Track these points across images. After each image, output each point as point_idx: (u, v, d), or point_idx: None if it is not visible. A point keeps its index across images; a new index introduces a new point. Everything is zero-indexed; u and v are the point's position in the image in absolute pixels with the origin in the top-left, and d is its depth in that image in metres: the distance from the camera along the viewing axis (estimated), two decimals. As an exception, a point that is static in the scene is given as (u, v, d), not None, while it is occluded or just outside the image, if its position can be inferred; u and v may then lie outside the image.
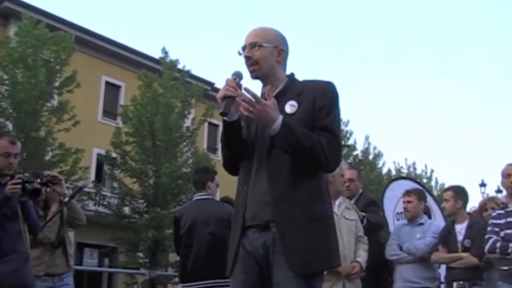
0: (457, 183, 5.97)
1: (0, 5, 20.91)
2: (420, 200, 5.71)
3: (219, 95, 2.67)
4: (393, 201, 6.99)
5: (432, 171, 29.65)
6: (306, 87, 2.82)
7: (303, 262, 2.59)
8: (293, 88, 2.82)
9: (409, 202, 5.72)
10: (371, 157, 26.13)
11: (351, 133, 24.89)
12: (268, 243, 2.67)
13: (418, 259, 5.46)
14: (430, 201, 8.00)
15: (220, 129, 2.94)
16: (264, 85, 2.89)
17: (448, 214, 5.77)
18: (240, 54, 2.84)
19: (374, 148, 26.72)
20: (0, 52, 16.12)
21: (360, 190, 6.03)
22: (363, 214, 5.44)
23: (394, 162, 29.19)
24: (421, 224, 5.65)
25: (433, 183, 29.68)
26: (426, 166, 29.74)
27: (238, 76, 2.72)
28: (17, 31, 16.95)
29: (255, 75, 2.83)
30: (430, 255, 5.45)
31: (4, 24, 20.85)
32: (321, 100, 2.74)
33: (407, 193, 5.86)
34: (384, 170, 28.13)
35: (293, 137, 2.60)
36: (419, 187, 7.16)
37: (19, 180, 4.12)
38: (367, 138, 26.14)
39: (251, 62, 2.80)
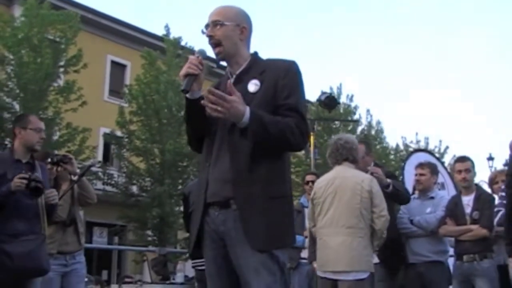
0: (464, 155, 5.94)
1: (4, -16, 20.83)
2: (433, 174, 5.71)
3: (181, 73, 2.69)
4: (413, 173, 6.93)
5: (446, 147, 29.37)
6: (269, 65, 2.81)
7: (263, 239, 2.60)
8: (256, 66, 2.82)
9: (422, 174, 5.71)
10: (373, 131, 25.96)
11: (356, 107, 24.72)
12: (228, 221, 2.68)
13: (428, 233, 5.46)
14: (444, 175, 8.02)
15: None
16: (228, 64, 2.89)
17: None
18: (203, 33, 2.82)
19: (378, 122, 26.53)
20: (5, 32, 16.06)
21: (372, 164, 5.87)
22: (389, 180, 5.25)
23: (402, 137, 29.01)
24: (432, 198, 5.65)
25: (446, 158, 29.36)
26: (440, 142, 29.43)
27: (201, 53, 2.74)
28: (23, 12, 16.84)
29: (221, 57, 2.83)
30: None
31: (8, 4, 20.76)
32: (283, 79, 2.74)
33: (420, 165, 5.84)
34: (392, 144, 28.09)
35: (263, 127, 2.60)
36: (434, 161, 7.16)
37: (27, 176, 4.15)
38: (368, 111, 25.97)
39: (213, 41, 2.79)
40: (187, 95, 2.74)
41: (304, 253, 6.47)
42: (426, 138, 28.96)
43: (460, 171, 5.52)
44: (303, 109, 2.76)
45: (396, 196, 5.35)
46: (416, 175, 5.83)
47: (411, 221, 5.53)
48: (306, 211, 5.99)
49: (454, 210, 5.43)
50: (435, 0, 59.89)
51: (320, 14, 58.42)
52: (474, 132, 58.27)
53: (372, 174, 5.04)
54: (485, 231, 5.21)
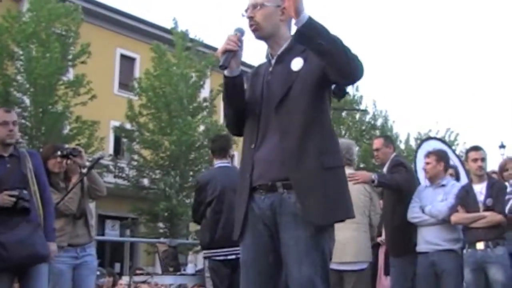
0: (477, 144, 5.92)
1: (12, -20, 20.87)
2: (439, 161, 5.65)
3: (219, 50, 2.68)
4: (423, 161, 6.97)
5: (457, 134, 29.25)
6: None
7: (322, 214, 2.57)
8: (297, 46, 2.77)
9: (427, 163, 5.69)
10: (379, 121, 25.87)
11: (361, 98, 24.64)
12: (275, 204, 2.65)
13: (440, 221, 5.43)
14: (457, 162, 7.98)
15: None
16: (268, 45, 2.87)
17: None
18: (243, 16, 2.81)
19: (385, 113, 26.42)
20: (13, 27, 16.12)
21: (392, 156, 5.96)
22: (372, 176, 5.44)
23: (419, 126, 28.98)
24: (443, 185, 5.61)
25: (459, 146, 29.18)
26: (449, 130, 29.30)
27: (240, 31, 2.73)
28: (30, 7, 16.89)
29: (257, 35, 2.81)
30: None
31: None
32: None
33: (427, 154, 5.84)
34: (402, 133, 28.01)
35: (321, 25, 2.53)
36: (443, 148, 7.12)
37: (16, 193, 4.14)
38: (374, 103, 25.87)
39: (252, 22, 2.77)
40: (226, 73, 2.73)
41: None
42: (437, 128, 28.89)
43: (476, 160, 5.50)
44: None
45: (386, 187, 5.62)
46: (424, 164, 5.83)
47: (423, 210, 5.51)
48: None
49: (465, 198, 5.40)
50: (445, -12, 59.43)
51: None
52: (486, 120, 57.91)
53: (350, 181, 5.23)
54: (500, 216, 5.19)
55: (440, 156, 5.73)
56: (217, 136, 5.86)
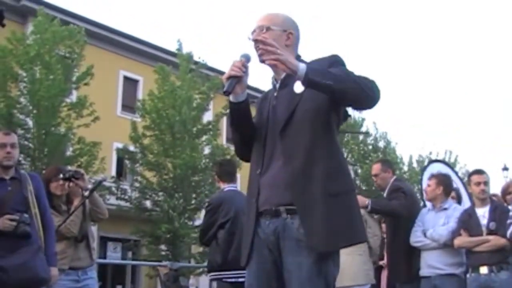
0: (480, 168, 5.92)
1: (18, 3, 21.05)
2: (439, 185, 5.65)
3: (224, 76, 2.67)
4: None
5: (456, 156, 29.30)
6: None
7: (325, 240, 2.53)
8: None
9: (428, 185, 5.71)
10: (381, 143, 25.87)
11: (363, 120, 24.67)
12: (278, 229, 2.63)
13: (442, 245, 5.41)
14: (460, 186, 7.95)
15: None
16: (273, 70, 2.87)
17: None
18: (249, 39, 2.81)
19: (386, 135, 26.46)
20: (18, 50, 16.21)
21: (391, 180, 5.95)
22: (366, 202, 5.44)
23: (420, 149, 29.03)
24: (445, 209, 5.60)
25: (460, 169, 29.22)
26: (450, 152, 29.33)
27: (245, 57, 2.73)
28: (33, 29, 17.01)
29: (263, 59, 2.76)
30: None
31: (22, 22, 20.98)
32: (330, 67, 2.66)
33: (430, 177, 5.86)
34: (405, 155, 28.03)
35: (323, 71, 2.53)
36: (447, 171, 7.11)
37: (17, 217, 4.13)
38: (374, 124, 25.91)
39: (258, 45, 2.73)
40: (231, 98, 2.74)
41: None
42: (437, 150, 28.97)
43: (478, 183, 5.48)
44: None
45: (380, 213, 5.67)
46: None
47: (425, 234, 5.50)
48: None
49: (468, 221, 5.37)
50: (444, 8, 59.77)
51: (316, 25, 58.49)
52: (489, 142, 57.88)
53: None
54: (504, 240, 5.16)
55: (441, 180, 5.73)
56: (224, 160, 5.86)
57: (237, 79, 2.67)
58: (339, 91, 2.52)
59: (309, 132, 2.65)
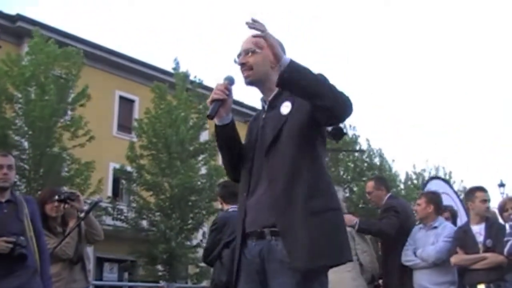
0: (476, 184, 5.93)
1: (14, 24, 21.13)
2: (429, 203, 5.64)
3: (208, 100, 2.72)
4: None
5: (450, 172, 29.38)
6: None
7: (307, 260, 2.50)
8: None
9: (418, 204, 5.69)
10: (377, 160, 25.89)
11: (356, 137, 24.70)
12: (263, 251, 2.64)
13: (430, 265, 5.39)
14: (457, 204, 7.94)
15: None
16: (261, 91, 2.90)
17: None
18: (235, 62, 2.84)
19: (380, 151, 26.49)
20: (13, 71, 16.24)
21: (386, 197, 5.96)
22: (354, 221, 5.48)
23: (414, 165, 29.13)
24: (435, 227, 5.58)
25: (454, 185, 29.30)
26: (443, 168, 29.41)
27: (229, 80, 2.76)
28: (29, 50, 17.04)
29: (248, 81, 2.82)
30: (442, 260, 5.36)
31: (18, 43, 21.05)
32: None
33: (419, 196, 5.87)
34: (401, 172, 28.10)
35: (306, 70, 2.55)
36: (444, 189, 7.11)
37: (13, 240, 4.10)
38: (368, 141, 25.96)
39: (245, 68, 2.80)
40: (216, 122, 2.77)
41: None
42: (430, 167, 29.04)
43: (485, 201, 5.50)
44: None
45: (367, 233, 5.62)
46: None
47: (415, 253, 5.50)
48: None
49: (464, 238, 5.36)
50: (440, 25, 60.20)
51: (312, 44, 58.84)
52: (485, 158, 57.98)
53: None
54: (502, 257, 5.14)
55: (430, 198, 5.73)
56: (227, 182, 5.85)
57: (221, 102, 2.71)
58: (314, 93, 2.54)
59: (293, 153, 2.66)
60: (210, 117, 2.71)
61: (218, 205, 17.95)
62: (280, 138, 2.70)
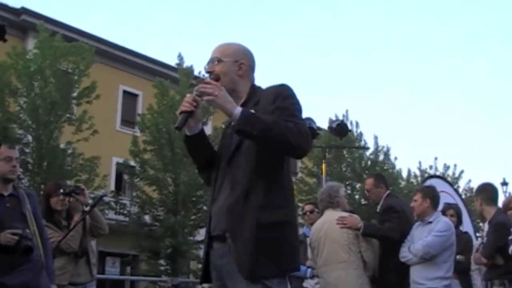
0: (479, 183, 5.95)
1: (18, 18, 21.15)
2: (425, 198, 5.63)
3: (177, 112, 2.78)
4: None
5: (461, 171, 29.28)
6: (262, 94, 2.84)
7: (250, 269, 2.58)
8: (253, 98, 2.85)
9: (414, 201, 5.68)
10: (381, 157, 25.83)
11: (361, 134, 24.62)
12: (224, 255, 2.72)
13: (420, 260, 5.40)
14: (458, 201, 7.94)
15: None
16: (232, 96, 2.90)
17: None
18: (205, 69, 2.93)
19: (387, 148, 26.45)
20: (18, 64, 16.28)
21: (384, 195, 6.00)
22: (359, 224, 5.52)
23: (420, 163, 29.09)
24: (430, 223, 5.57)
25: (461, 183, 29.16)
26: (449, 166, 29.29)
27: (197, 92, 2.75)
28: (36, 44, 17.03)
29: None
30: (430, 255, 5.36)
31: (23, 37, 21.07)
32: (273, 104, 2.72)
33: (415, 192, 5.89)
34: (404, 169, 28.07)
35: (257, 120, 2.59)
36: (444, 187, 7.12)
37: (19, 232, 4.09)
38: (375, 138, 25.90)
39: (212, 77, 2.84)
40: (187, 132, 2.83)
41: (307, 283, 6.44)
42: (436, 161, 28.93)
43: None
44: (301, 118, 2.75)
45: (373, 237, 5.62)
46: None
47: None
48: (308, 240, 6.08)
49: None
50: (446, 22, 60.10)
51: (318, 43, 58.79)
52: (487, 156, 57.93)
53: (338, 223, 5.50)
54: (483, 259, 5.25)
55: (426, 193, 5.72)
56: None
57: (189, 113, 2.75)
58: (264, 141, 2.61)
59: (253, 162, 2.71)
60: (178, 129, 2.75)
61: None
62: (241, 148, 2.75)
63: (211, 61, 2.90)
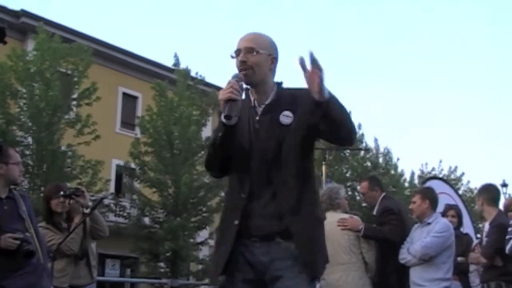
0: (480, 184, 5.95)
1: (18, 20, 21.15)
2: (424, 199, 5.62)
3: (223, 97, 2.63)
4: None
5: (462, 173, 29.41)
6: (297, 95, 2.81)
7: (318, 266, 2.73)
8: (284, 97, 2.82)
9: (413, 202, 5.67)
10: (381, 159, 25.85)
11: (362, 136, 24.63)
12: (272, 250, 2.69)
13: (419, 261, 5.39)
14: (459, 203, 7.92)
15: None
16: (254, 90, 2.87)
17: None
18: (232, 57, 2.82)
19: (387, 150, 26.45)
20: (17, 66, 16.26)
21: (380, 197, 6.00)
22: (360, 226, 5.53)
23: (423, 165, 29.17)
24: (429, 224, 5.55)
25: (461, 185, 29.18)
26: (456, 168, 29.43)
27: (239, 78, 2.72)
28: (35, 46, 17.03)
29: (248, 80, 2.78)
30: (429, 256, 5.35)
31: (22, 39, 21.05)
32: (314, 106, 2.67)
33: (413, 193, 5.89)
34: (407, 171, 28.13)
35: (340, 103, 2.65)
36: (444, 189, 7.11)
37: (20, 236, 4.07)
38: (376, 140, 25.91)
39: (245, 67, 2.76)
40: (225, 121, 2.66)
41: None
42: (440, 163, 28.99)
43: None
44: None
45: (373, 239, 5.61)
46: None
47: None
48: None
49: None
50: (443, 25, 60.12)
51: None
52: (487, 158, 57.91)
53: (339, 225, 5.48)
54: (483, 259, 5.23)
55: (425, 194, 5.71)
56: None
57: (235, 102, 2.64)
58: (336, 122, 2.63)
59: (297, 164, 2.74)
60: (228, 117, 2.62)
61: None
62: (283, 147, 2.73)
63: (245, 50, 2.78)
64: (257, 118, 2.81)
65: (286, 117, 2.76)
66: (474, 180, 32.49)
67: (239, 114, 2.69)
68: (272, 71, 2.87)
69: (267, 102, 2.82)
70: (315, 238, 2.71)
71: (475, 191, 6.38)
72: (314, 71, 2.53)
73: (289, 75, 2.89)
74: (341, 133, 2.69)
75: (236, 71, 2.78)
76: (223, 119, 2.65)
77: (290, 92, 2.86)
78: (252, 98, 2.87)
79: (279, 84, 2.89)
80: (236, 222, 2.73)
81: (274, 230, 2.68)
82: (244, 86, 2.75)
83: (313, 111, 2.63)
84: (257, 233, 2.71)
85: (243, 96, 2.76)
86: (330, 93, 2.58)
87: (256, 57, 2.77)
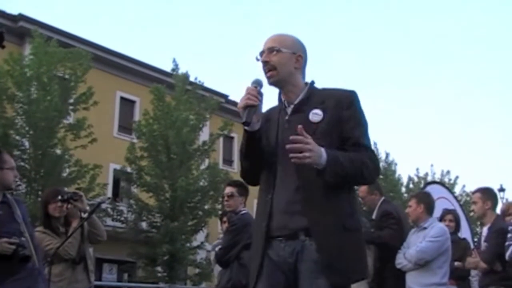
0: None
1: (16, 24, 21.16)
2: (419, 203, 5.61)
3: (241, 104, 2.63)
4: None
5: (456, 177, 29.47)
6: (329, 95, 2.78)
7: (340, 272, 2.57)
8: (315, 96, 2.78)
9: (409, 206, 5.67)
10: (382, 164, 25.90)
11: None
12: (297, 250, 2.63)
13: (415, 265, 5.38)
14: (457, 208, 7.92)
15: (236, 141, 2.94)
16: (282, 91, 2.85)
17: (478, 216, 5.71)
18: (257, 59, 2.80)
19: (387, 155, 26.49)
20: (14, 70, 16.26)
21: (379, 202, 5.99)
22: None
23: (417, 169, 29.22)
24: (424, 228, 5.55)
25: (457, 189, 29.22)
26: (449, 172, 29.48)
27: (258, 84, 2.70)
28: (32, 50, 17.03)
29: (272, 81, 2.78)
30: (424, 260, 5.34)
31: (20, 43, 21.06)
32: (347, 109, 2.71)
33: (409, 197, 5.88)
34: (404, 176, 28.16)
35: (341, 168, 2.59)
36: (442, 193, 7.11)
37: (16, 241, 4.05)
38: (375, 144, 25.93)
39: (268, 67, 2.75)
40: (247, 127, 2.67)
41: None
42: (432, 167, 29.08)
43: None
44: (369, 141, 2.78)
45: (370, 244, 5.56)
46: None
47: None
48: None
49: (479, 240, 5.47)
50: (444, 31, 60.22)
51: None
52: (485, 163, 57.99)
53: None
54: (484, 264, 5.22)
55: (420, 198, 5.71)
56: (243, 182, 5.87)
57: (254, 108, 2.63)
58: (342, 179, 2.62)
59: None
60: (247, 124, 2.63)
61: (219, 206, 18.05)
62: None
63: (268, 51, 2.77)
64: (286, 118, 2.79)
65: (316, 114, 2.71)
66: (469, 184, 32.56)
67: (260, 119, 2.70)
68: (299, 70, 2.83)
69: (296, 101, 2.79)
70: (338, 246, 2.59)
71: (472, 195, 6.33)
72: (301, 157, 2.52)
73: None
74: (355, 183, 2.80)
75: (259, 76, 2.77)
76: (244, 126, 2.66)
77: (321, 91, 2.83)
78: (283, 99, 2.86)
79: (311, 83, 2.86)
80: (264, 224, 2.71)
81: (298, 226, 2.62)
82: (261, 90, 2.70)
83: (340, 118, 2.71)
84: (281, 233, 2.66)
85: (263, 101, 2.71)
86: (328, 159, 2.56)
87: (277, 56, 2.75)
